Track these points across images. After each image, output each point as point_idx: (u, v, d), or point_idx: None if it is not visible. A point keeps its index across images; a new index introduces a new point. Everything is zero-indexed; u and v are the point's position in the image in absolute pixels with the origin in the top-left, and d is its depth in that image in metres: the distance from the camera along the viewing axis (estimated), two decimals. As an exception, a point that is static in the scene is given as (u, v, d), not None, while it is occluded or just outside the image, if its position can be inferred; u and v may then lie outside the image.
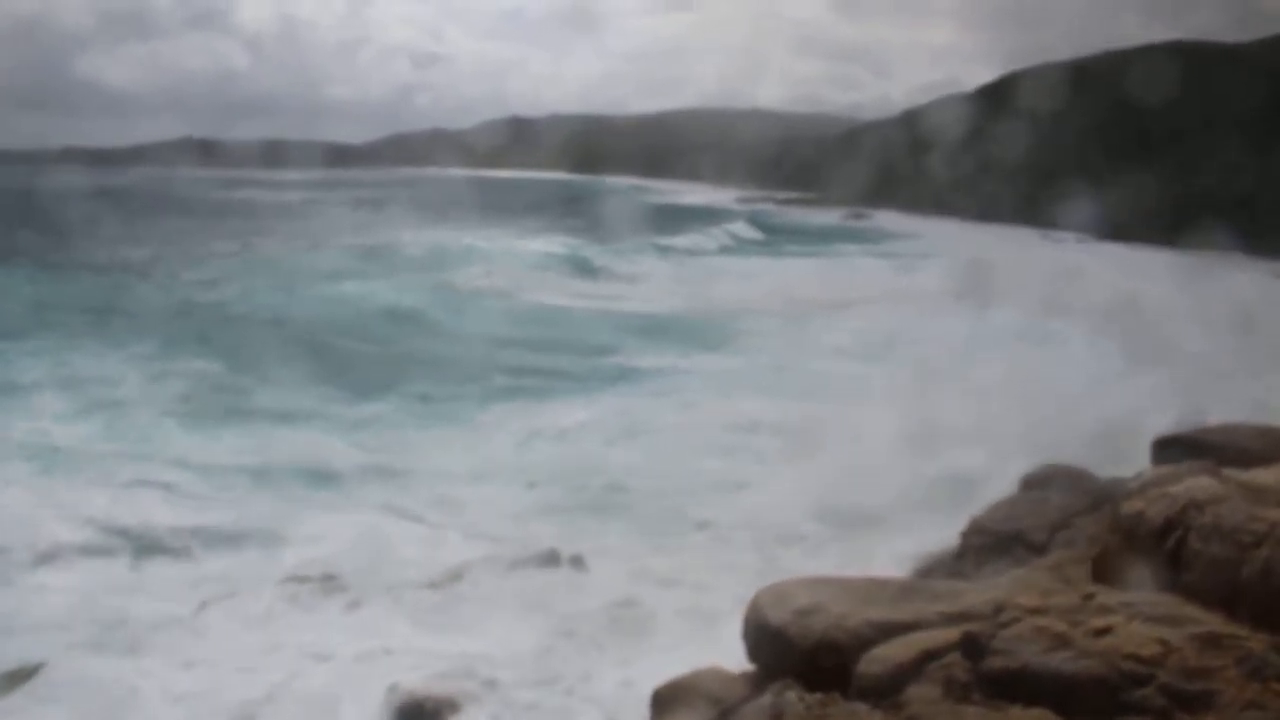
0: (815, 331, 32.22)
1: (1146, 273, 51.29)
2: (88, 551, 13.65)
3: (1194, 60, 75.69)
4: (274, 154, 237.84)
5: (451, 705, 10.39)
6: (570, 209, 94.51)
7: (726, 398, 23.15)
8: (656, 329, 31.08)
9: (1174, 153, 60.81)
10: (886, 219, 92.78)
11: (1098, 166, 65.14)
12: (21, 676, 10.56)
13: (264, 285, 37.11)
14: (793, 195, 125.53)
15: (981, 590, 8.70)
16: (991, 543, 11.11)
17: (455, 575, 13.63)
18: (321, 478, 16.91)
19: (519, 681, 10.83)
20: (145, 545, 14.03)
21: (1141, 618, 7.09)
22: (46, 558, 13.35)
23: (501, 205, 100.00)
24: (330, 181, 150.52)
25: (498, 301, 34.30)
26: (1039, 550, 10.13)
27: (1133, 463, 11.76)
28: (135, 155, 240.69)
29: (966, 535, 11.86)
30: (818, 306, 37.71)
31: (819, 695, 7.54)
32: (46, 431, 18.93)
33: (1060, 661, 6.79)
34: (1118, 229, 68.68)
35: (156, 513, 15.12)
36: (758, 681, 8.61)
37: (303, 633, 11.92)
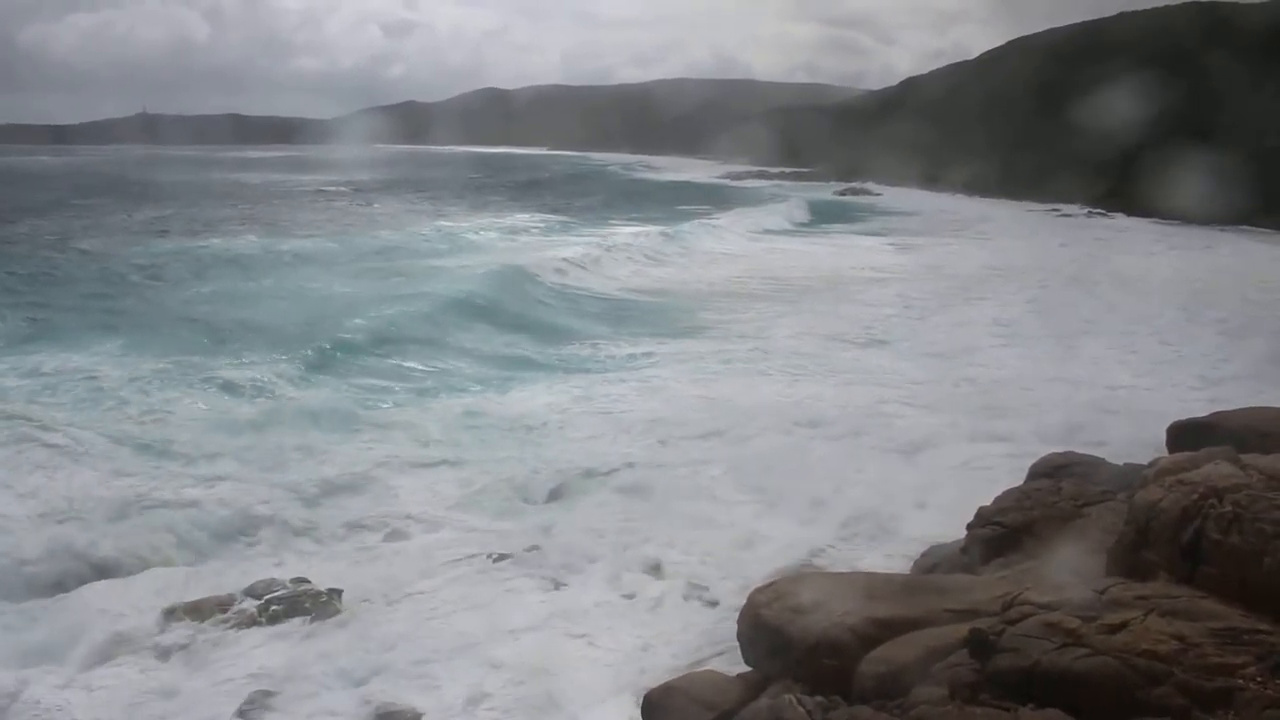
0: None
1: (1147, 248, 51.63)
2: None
3: (1215, 20, 75.90)
4: (235, 131, 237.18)
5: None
6: (568, 189, 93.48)
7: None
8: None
9: (1193, 118, 60.87)
10: (885, 193, 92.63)
11: (1110, 136, 65.08)
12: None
13: (219, 275, 36.82)
14: (787, 170, 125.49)
15: (989, 585, 8.73)
16: (999, 535, 11.10)
17: (430, 576, 13.62)
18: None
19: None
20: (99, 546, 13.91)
21: (1158, 613, 7.13)
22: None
23: (486, 186, 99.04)
24: (296, 160, 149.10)
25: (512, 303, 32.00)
26: (1050, 543, 10.16)
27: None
28: (86, 132, 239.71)
29: (973, 527, 11.88)
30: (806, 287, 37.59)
31: (820, 698, 7.55)
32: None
33: (1072, 660, 6.83)
34: (1131, 202, 68.96)
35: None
36: (754, 684, 8.63)
37: (268, 649, 11.85)
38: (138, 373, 21.59)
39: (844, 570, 12.35)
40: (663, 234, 50.39)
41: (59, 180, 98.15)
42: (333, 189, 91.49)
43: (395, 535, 15.17)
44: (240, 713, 10.35)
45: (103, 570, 13.57)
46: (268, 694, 10.68)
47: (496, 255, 42.34)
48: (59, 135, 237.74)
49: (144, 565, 13.80)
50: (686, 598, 12.62)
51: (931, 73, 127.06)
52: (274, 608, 12.60)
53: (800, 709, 7.28)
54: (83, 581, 13.24)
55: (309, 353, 23.48)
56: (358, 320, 26.95)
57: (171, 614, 12.27)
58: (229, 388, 20.89)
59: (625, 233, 52.22)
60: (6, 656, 11.28)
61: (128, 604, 12.61)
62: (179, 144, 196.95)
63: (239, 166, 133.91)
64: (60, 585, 13.11)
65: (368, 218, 62.64)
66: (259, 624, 12.33)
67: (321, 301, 31.28)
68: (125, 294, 33.25)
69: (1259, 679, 6.41)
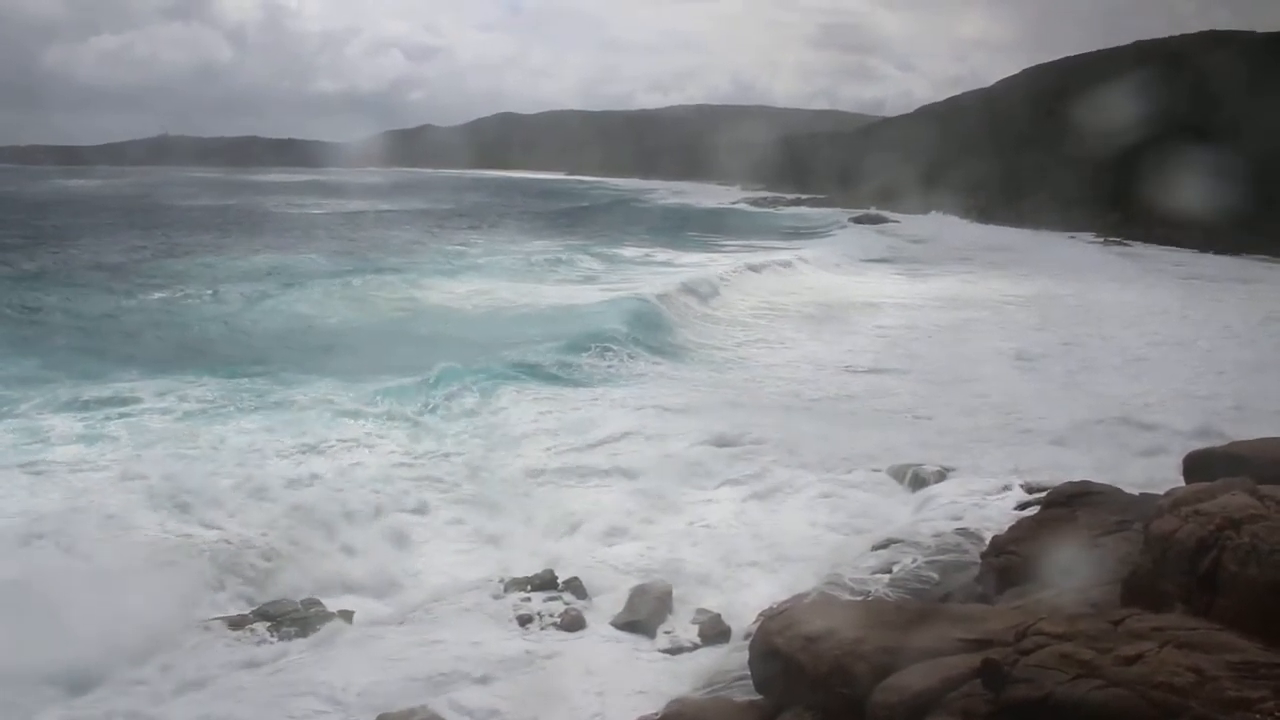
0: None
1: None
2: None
3: (1235, 49, 75.99)
4: (255, 153, 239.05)
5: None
6: (613, 217, 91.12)
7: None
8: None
9: (1210, 141, 60.75)
10: (903, 220, 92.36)
11: (1126, 164, 64.86)
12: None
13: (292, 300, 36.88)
14: (804, 196, 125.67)
15: (1003, 614, 8.66)
16: (1014, 564, 11.06)
17: (443, 599, 13.62)
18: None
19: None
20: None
21: (1174, 644, 7.05)
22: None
23: (534, 214, 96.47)
24: (324, 185, 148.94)
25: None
26: (1065, 572, 10.09)
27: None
28: (108, 153, 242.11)
29: (987, 556, 11.82)
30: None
31: (830, 727, 7.51)
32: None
33: (1087, 691, 6.75)
34: (1149, 230, 68.86)
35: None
36: (766, 713, 8.57)
37: (279, 668, 11.84)
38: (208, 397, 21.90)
39: (857, 597, 12.29)
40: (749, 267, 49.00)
41: (96, 204, 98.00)
42: (352, 215, 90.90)
43: (413, 558, 15.18)
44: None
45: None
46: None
47: (608, 289, 41.34)
48: (81, 156, 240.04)
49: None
50: (704, 636, 12.61)
51: (948, 100, 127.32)
52: (285, 628, 12.62)
53: (811, 738, 7.23)
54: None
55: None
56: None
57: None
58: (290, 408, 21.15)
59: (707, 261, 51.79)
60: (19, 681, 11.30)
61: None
62: (200, 166, 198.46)
63: (271, 190, 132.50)
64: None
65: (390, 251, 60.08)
66: (270, 643, 12.35)
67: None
68: (208, 323, 33.13)
69: (1277, 714, 6.32)
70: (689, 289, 38.43)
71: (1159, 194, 54.79)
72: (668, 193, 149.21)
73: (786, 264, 51.18)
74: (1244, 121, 59.26)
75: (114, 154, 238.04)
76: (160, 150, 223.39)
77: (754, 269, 47.34)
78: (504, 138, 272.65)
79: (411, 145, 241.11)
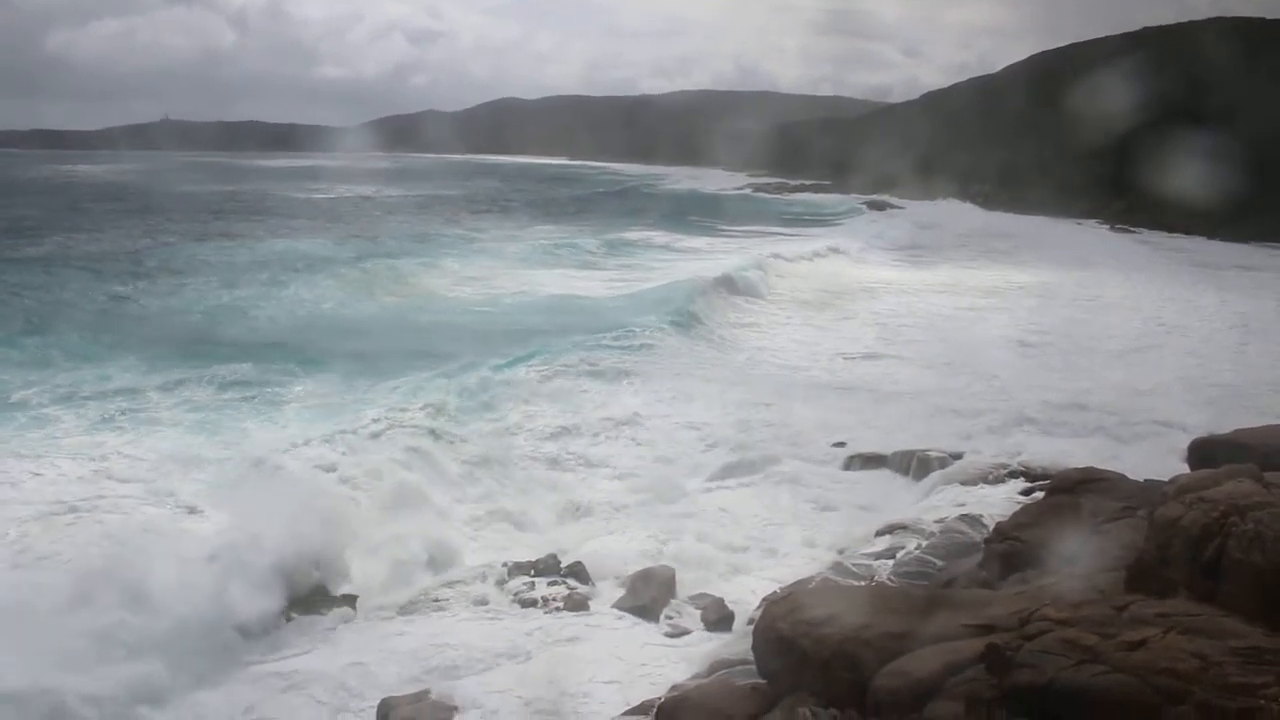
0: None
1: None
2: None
3: (1249, 36, 75.80)
4: (258, 139, 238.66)
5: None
6: (633, 205, 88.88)
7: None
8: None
9: (1209, 136, 60.51)
10: (905, 206, 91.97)
11: (1127, 152, 64.62)
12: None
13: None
14: (808, 182, 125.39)
15: (1007, 600, 8.67)
16: (1018, 550, 11.06)
17: (450, 585, 13.66)
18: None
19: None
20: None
21: (1178, 630, 7.06)
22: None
23: (554, 201, 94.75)
24: (320, 170, 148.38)
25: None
26: (1069, 559, 10.09)
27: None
28: (109, 138, 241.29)
29: (990, 542, 11.82)
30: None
31: (834, 712, 7.54)
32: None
33: (1090, 676, 6.76)
34: (1151, 217, 68.76)
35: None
36: (768, 697, 8.60)
37: (279, 654, 11.91)
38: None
39: (861, 583, 12.30)
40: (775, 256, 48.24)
41: (100, 189, 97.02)
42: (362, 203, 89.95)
43: (417, 543, 15.21)
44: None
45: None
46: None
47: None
48: (83, 141, 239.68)
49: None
50: (707, 621, 12.63)
51: (953, 86, 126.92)
52: (290, 613, 12.68)
53: (814, 722, 7.26)
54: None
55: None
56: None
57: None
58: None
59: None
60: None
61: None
62: (202, 151, 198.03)
63: (275, 176, 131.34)
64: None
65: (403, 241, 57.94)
66: (275, 629, 12.40)
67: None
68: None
69: (1281, 699, 6.33)
70: (721, 280, 37.27)
71: (1161, 180, 54.61)
72: (675, 178, 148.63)
73: (820, 253, 50.58)
74: (1257, 109, 59.21)
75: (116, 139, 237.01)
76: (162, 135, 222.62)
77: (784, 258, 46.67)
78: (507, 123, 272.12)
79: (414, 130, 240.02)
